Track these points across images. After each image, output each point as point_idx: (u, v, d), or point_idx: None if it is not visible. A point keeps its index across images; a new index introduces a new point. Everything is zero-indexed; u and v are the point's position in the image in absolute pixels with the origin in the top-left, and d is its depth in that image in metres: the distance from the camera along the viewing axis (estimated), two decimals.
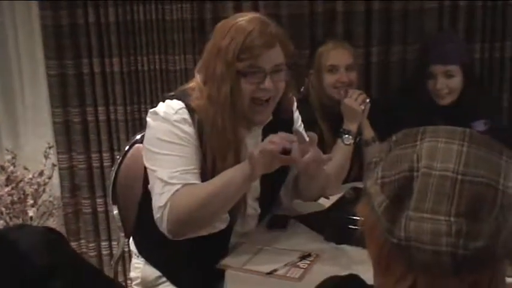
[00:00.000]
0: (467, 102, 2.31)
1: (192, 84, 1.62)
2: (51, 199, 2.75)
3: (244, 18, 1.54)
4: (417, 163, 0.72)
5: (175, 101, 1.56)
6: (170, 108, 1.55)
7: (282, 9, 2.61)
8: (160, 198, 1.49)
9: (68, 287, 1.00)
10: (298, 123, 1.81)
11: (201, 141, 1.55)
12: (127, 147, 2.08)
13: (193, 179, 1.52)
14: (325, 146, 2.17)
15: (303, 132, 1.75)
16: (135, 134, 2.22)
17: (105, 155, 2.74)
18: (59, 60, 2.63)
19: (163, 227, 1.49)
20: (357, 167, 2.26)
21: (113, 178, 2.04)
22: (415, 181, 0.72)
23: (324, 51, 2.27)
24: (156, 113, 1.57)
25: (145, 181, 1.66)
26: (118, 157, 2.09)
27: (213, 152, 1.54)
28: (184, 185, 1.49)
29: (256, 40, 1.49)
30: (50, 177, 2.69)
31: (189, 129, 1.54)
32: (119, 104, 2.69)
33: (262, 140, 1.64)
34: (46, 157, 2.67)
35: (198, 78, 1.60)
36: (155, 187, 1.52)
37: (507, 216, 0.70)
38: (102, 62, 2.64)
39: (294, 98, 1.78)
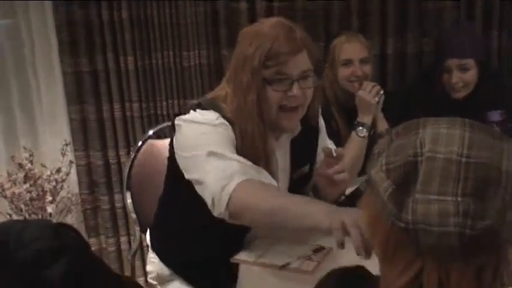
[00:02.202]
0: (482, 95, 2.29)
1: (219, 92, 1.57)
2: (69, 196, 2.79)
3: (269, 24, 1.50)
4: (421, 148, 0.74)
5: (211, 111, 1.50)
6: (209, 115, 1.49)
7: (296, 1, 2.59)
8: (218, 184, 1.36)
9: (72, 270, 1.02)
10: (323, 131, 1.77)
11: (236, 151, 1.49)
12: (140, 143, 2.10)
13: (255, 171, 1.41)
14: (340, 138, 2.16)
15: (326, 138, 1.77)
16: (150, 129, 2.24)
17: (122, 151, 2.76)
18: (74, 58, 2.66)
19: (223, 208, 1.36)
20: None
21: (126, 174, 2.06)
22: (420, 165, 0.73)
23: (337, 44, 2.26)
24: (192, 121, 1.50)
25: (167, 178, 1.67)
26: (132, 153, 2.10)
27: None
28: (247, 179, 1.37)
29: (282, 46, 1.45)
30: (67, 174, 2.72)
31: (231, 132, 1.49)
32: (134, 101, 2.70)
33: (291, 150, 1.64)
34: (63, 154, 2.70)
35: (227, 88, 1.55)
36: (211, 170, 1.39)
37: None
38: (116, 58, 2.65)
39: (319, 106, 1.73)
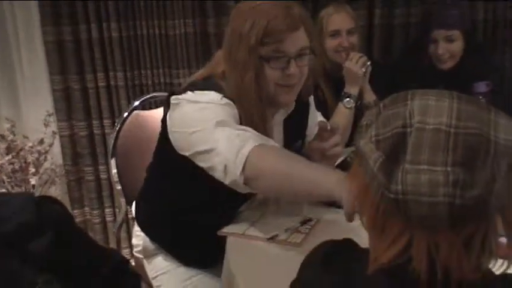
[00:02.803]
0: (468, 66, 2.31)
1: (215, 69, 1.51)
2: (53, 167, 2.76)
3: (264, 0, 1.45)
4: (410, 119, 0.74)
5: (212, 92, 1.44)
6: (212, 95, 1.43)
7: None
8: (232, 149, 1.30)
9: (54, 243, 1.01)
10: (313, 104, 1.77)
11: None
12: (125, 114, 2.07)
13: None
14: (327, 109, 2.15)
15: (316, 112, 1.76)
16: (135, 99, 2.21)
17: (106, 122, 2.73)
18: (56, 27, 2.60)
19: (238, 172, 1.30)
20: None
21: (112, 146, 2.04)
22: (409, 136, 0.73)
23: (325, 15, 2.24)
24: (192, 100, 1.43)
25: (157, 154, 1.65)
26: (117, 124, 2.08)
27: None
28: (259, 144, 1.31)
29: (279, 23, 1.40)
30: (50, 145, 2.69)
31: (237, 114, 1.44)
32: (118, 70, 2.67)
33: (284, 127, 1.62)
34: (46, 125, 2.66)
35: (223, 65, 1.50)
36: (222, 145, 1.33)
37: (501, 164, 0.72)
38: (100, 27, 2.61)
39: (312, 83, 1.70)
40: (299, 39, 1.45)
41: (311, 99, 1.76)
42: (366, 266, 0.79)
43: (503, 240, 0.77)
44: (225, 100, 1.43)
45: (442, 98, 0.74)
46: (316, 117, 1.78)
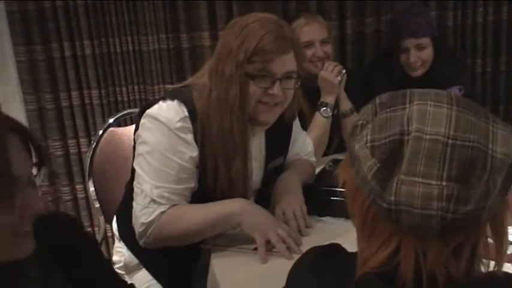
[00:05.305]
0: (439, 72, 2.34)
1: (198, 79, 1.55)
2: None
3: (259, 19, 1.47)
4: (408, 127, 0.72)
5: (176, 103, 1.48)
6: (173, 113, 1.47)
7: None
8: (144, 214, 1.47)
9: (47, 273, 1.00)
10: (297, 122, 1.78)
11: (203, 147, 1.49)
12: (100, 132, 2.06)
13: (182, 199, 1.49)
14: (304, 120, 2.16)
15: (301, 130, 1.80)
16: (110, 116, 2.19)
17: (82, 141, 2.70)
18: (28, 46, 2.57)
19: (143, 241, 1.50)
20: (336, 140, 2.27)
21: (88, 163, 2.02)
22: (406, 145, 0.71)
23: (297, 27, 2.24)
24: (156, 119, 1.48)
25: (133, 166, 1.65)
26: (93, 142, 2.06)
27: (216, 157, 1.49)
28: (172, 206, 1.47)
29: (269, 44, 1.43)
30: None
31: (190, 136, 1.48)
32: (93, 88, 2.64)
33: (266, 141, 1.64)
34: None
35: (206, 77, 1.52)
36: (139, 198, 1.48)
37: (496, 180, 0.71)
38: (72, 45, 2.58)
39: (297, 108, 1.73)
40: (287, 63, 1.48)
41: (297, 122, 1.77)
42: (355, 270, 0.78)
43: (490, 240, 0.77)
44: (182, 123, 1.47)
45: (441, 103, 0.73)
46: (300, 134, 1.80)
